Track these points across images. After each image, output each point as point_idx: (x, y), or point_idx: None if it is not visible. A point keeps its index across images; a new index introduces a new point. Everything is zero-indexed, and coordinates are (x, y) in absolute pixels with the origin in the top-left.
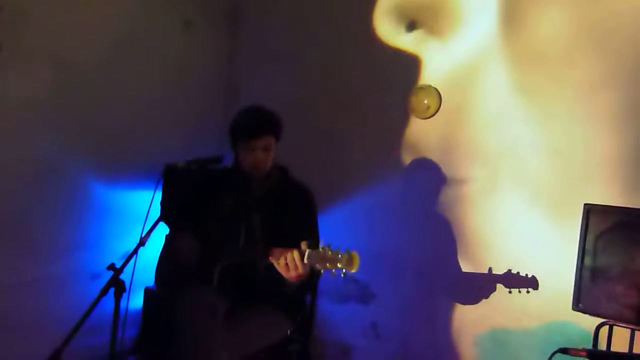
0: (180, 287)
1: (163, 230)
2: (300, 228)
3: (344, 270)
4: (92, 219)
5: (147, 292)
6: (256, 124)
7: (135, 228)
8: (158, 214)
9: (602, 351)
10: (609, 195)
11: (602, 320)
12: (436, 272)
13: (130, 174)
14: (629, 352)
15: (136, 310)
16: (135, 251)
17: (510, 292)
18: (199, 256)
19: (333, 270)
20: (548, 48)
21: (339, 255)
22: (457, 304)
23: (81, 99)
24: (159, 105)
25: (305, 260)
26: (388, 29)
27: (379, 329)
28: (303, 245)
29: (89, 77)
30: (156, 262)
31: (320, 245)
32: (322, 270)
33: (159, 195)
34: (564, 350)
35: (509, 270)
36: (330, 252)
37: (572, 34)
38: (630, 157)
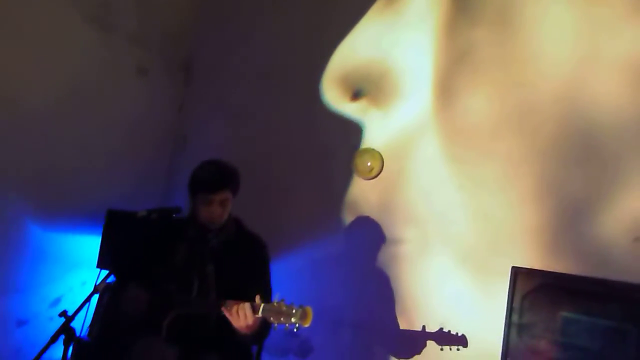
0: (125, 339)
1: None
2: (253, 280)
3: (297, 325)
4: (25, 261)
5: (78, 342)
6: (215, 179)
7: (69, 274)
8: (96, 261)
9: None
10: (533, 259)
11: None
12: (374, 327)
13: (71, 217)
14: None
15: None
16: (89, 299)
17: (442, 349)
18: (146, 307)
19: (287, 325)
20: (477, 124)
21: (293, 310)
22: (394, 359)
23: (25, 140)
24: (106, 151)
25: (260, 314)
26: (335, 95)
27: None
28: (257, 299)
29: (37, 119)
30: (92, 312)
31: (275, 300)
32: (275, 324)
33: (99, 241)
34: None
35: (441, 328)
36: (284, 307)
37: (497, 114)
38: (550, 225)
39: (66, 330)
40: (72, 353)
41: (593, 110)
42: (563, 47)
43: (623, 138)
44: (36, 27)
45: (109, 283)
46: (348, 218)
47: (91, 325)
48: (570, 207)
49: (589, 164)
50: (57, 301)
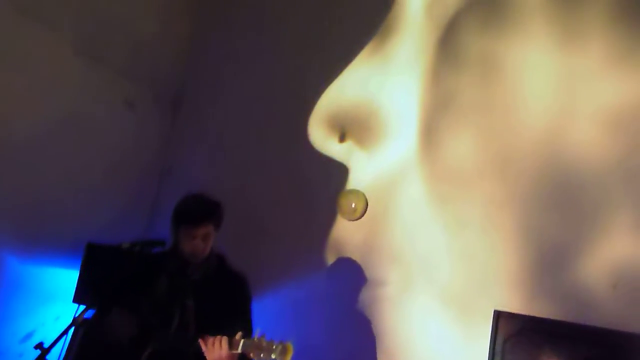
0: None
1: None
2: (234, 316)
3: None
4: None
5: None
6: (198, 212)
7: (43, 308)
8: (73, 295)
9: None
10: (515, 302)
11: None
12: None
13: (49, 249)
14: None
15: None
16: (66, 331)
17: None
18: (126, 340)
19: None
20: (460, 166)
21: (274, 346)
22: None
23: (7, 170)
24: (90, 183)
25: (240, 349)
26: (322, 135)
27: None
28: (238, 335)
29: (21, 149)
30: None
31: (255, 335)
32: None
33: (76, 275)
34: None
35: None
36: (264, 342)
37: (481, 158)
38: (531, 269)
39: None
40: None
41: (573, 158)
42: (543, 95)
43: (602, 186)
44: (26, 57)
45: (86, 318)
46: (331, 258)
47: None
48: (551, 252)
49: (569, 210)
50: (28, 336)
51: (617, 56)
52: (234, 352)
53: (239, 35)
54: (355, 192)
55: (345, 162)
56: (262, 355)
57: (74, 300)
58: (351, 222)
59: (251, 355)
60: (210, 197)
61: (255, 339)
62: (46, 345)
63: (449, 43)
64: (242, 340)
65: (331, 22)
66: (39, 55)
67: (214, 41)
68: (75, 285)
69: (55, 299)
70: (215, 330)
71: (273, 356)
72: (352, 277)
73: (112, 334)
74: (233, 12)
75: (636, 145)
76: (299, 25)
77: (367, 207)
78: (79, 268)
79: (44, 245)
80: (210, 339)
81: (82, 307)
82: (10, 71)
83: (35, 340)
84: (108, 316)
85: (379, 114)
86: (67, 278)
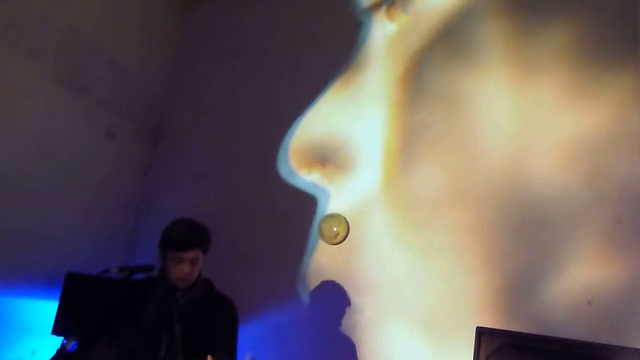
0: None
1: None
2: (219, 340)
3: None
4: None
5: None
6: (186, 237)
7: (19, 341)
8: (52, 327)
9: None
10: (492, 321)
11: None
12: None
13: (26, 280)
14: None
15: None
16: (56, 358)
17: None
18: None
19: None
20: (430, 194)
21: None
22: None
23: None
24: (68, 213)
25: None
26: (297, 164)
27: None
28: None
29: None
30: None
31: (246, 357)
32: None
33: (55, 306)
34: None
35: None
36: None
37: (448, 186)
38: (507, 289)
39: None
40: None
41: (538, 184)
42: (503, 126)
43: (568, 211)
44: (8, 85)
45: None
46: (312, 283)
47: None
48: (526, 273)
49: (540, 232)
50: None
51: (571, 89)
52: None
53: (218, 67)
54: (337, 217)
55: (321, 189)
56: None
57: (53, 332)
58: (332, 246)
59: None
60: (199, 223)
61: None
62: None
63: (412, 78)
64: None
65: (305, 56)
66: (21, 84)
67: (193, 72)
68: (54, 317)
69: (32, 332)
70: (203, 355)
71: None
72: (333, 301)
73: None
74: (212, 44)
75: (595, 173)
76: (274, 58)
77: (348, 231)
78: (59, 298)
79: (21, 276)
80: None
81: (61, 338)
82: None
83: None
84: (90, 351)
85: (351, 145)
86: (44, 310)
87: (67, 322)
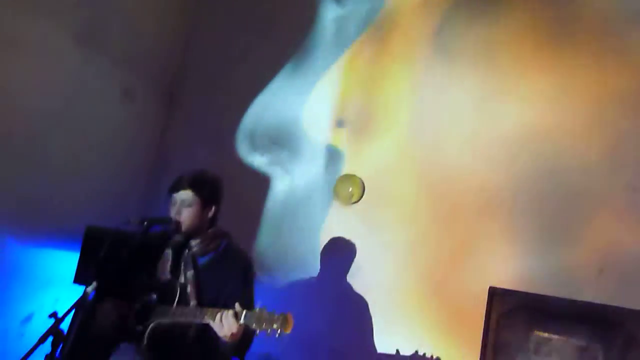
0: (101, 352)
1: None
2: (236, 291)
3: (279, 331)
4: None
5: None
6: (179, 179)
7: (42, 291)
8: (73, 277)
9: None
10: (507, 283)
11: None
12: (351, 352)
13: (48, 233)
14: None
15: None
16: (78, 302)
17: None
18: (124, 318)
19: (269, 330)
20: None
21: (275, 317)
22: None
23: (7, 155)
24: (85, 168)
25: (242, 320)
26: (317, 122)
27: None
28: (237, 306)
29: (21, 138)
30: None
31: (257, 307)
32: (257, 331)
33: (76, 258)
34: None
35: (416, 351)
36: (266, 314)
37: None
38: (524, 254)
39: (55, 331)
40: None
41: (559, 152)
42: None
43: (585, 179)
44: (26, 47)
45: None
46: (325, 242)
47: (64, 343)
48: (540, 237)
49: (558, 199)
50: (28, 318)
51: (515, 83)
52: (239, 323)
53: (234, 28)
54: (352, 177)
55: (343, 148)
56: (263, 325)
57: (75, 281)
58: (348, 207)
59: (253, 326)
60: (206, 172)
61: (257, 311)
62: (60, 315)
63: (335, 77)
64: (244, 312)
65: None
66: (38, 45)
67: (210, 32)
68: (75, 267)
69: (54, 282)
70: (215, 305)
71: (275, 326)
72: (347, 261)
73: (99, 323)
74: (229, 3)
75: (613, 142)
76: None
77: (363, 192)
78: (79, 250)
79: (44, 230)
80: (218, 315)
81: (84, 286)
82: (10, 61)
83: (36, 323)
84: (103, 303)
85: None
86: (66, 261)
87: (88, 272)
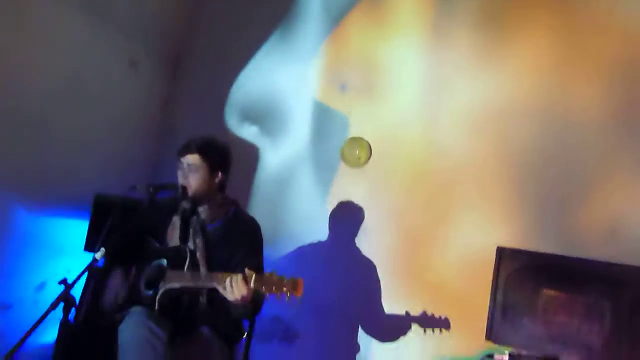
0: (114, 316)
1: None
2: (245, 257)
3: (288, 294)
4: (11, 245)
5: (65, 326)
6: (186, 144)
7: (54, 259)
8: (84, 245)
9: (523, 354)
10: (517, 241)
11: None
12: (359, 313)
13: (58, 202)
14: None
15: (48, 346)
16: (88, 268)
17: (425, 332)
18: (135, 284)
19: (278, 294)
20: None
21: (285, 280)
22: (378, 342)
23: (14, 126)
24: (93, 138)
25: (252, 284)
26: (322, 86)
27: None
28: (247, 271)
29: (29, 106)
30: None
31: (267, 272)
32: (267, 294)
33: (86, 226)
34: (490, 356)
35: (424, 312)
36: (276, 277)
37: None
38: (534, 214)
39: (66, 297)
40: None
41: (573, 111)
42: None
43: (599, 140)
44: (31, 16)
45: (97, 266)
46: (334, 205)
47: (78, 309)
48: (553, 197)
49: (569, 160)
50: (42, 286)
51: (478, 60)
52: (249, 287)
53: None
54: (359, 140)
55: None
56: (273, 288)
57: (85, 249)
58: (356, 169)
59: (264, 289)
60: (214, 138)
61: (267, 275)
62: (70, 282)
63: (339, 41)
64: (254, 276)
65: None
66: (43, 14)
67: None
68: (85, 236)
69: (66, 251)
70: (225, 270)
71: (285, 289)
72: (354, 222)
73: (111, 289)
74: None
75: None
76: None
77: (371, 155)
78: (89, 219)
79: (55, 199)
80: (227, 279)
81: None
82: (16, 30)
83: (49, 290)
84: (113, 270)
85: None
86: (77, 230)
87: (98, 240)
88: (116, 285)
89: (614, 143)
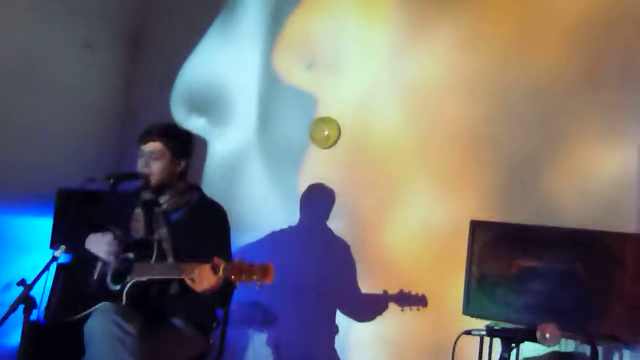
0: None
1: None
2: (212, 244)
3: (259, 282)
4: None
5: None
6: (146, 130)
7: (20, 257)
8: (49, 242)
9: (500, 328)
10: (488, 213)
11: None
12: (336, 293)
13: (19, 198)
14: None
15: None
16: (48, 266)
17: (402, 310)
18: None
19: (248, 283)
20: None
21: (255, 268)
22: (356, 322)
23: None
24: (53, 128)
25: (221, 273)
26: (287, 65)
27: (282, 350)
28: (216, 259)
29: None
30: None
31: (236, 259)
32: (237, 283)
33: (51, 222)
34: (467, 332)
35: (401, 290)
36: (245, 265)
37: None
38: (503, 182)
39: (26, 299)
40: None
41: (536, 70)
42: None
43: (563, 102)
44: None
45: (62, 263)
46: (304, 185)
47: (47, 307)
48: (520, 165)
49: (536, 125)
50: (8, 286)
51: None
52: (218, 276)
53: None
54: (327, 120)
55: (315, 90)
56: (243, 277)
57: (51, 247)
58: (325, 149)
59: (232, 278)
60: (174, 124)
61: (236, 262)
62: (29, 282)
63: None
64: (222, 264)
65: None
66: None
67: None
68: (50, 232)
69: (31, 248)
70: (194, 259)
71: (254, 277)
72: (326, 203)
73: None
74: None
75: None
76: None
77: (340, 134)
78: (53, 214)
79: (16, 197)
80: (195, 270)
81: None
82: None
83: (16, 290)
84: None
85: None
86: (42, 226)
87: (63, 237)
88: (82, 280)
89: (579, 104)
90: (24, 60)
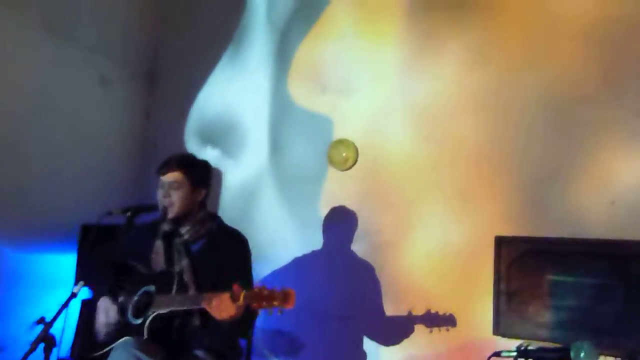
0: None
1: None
2: (233, 273)
3: (280, 308)
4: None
5: None
6: (166, 161)
7: (46, 295)
8: (74, 279)
9: (532, 348)
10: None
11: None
12: (361, 317)
13: (44, 236)
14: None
15: None
16: (67, 304)
17: (431, 331)
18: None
19: (270, 309)
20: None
21: (275, 294)
22: (384, 347)
23: None
24: (75, 164)
25: (242, 301)
26: (302, 90)
27: None
28: (235, 287)
29: (1, 138)
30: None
31: (256, 286)
32: (258, 310)
33: (75, 258)
34: (496, 354)
35: (428, 310)
36: (265, 291)
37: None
38: (528, 195)
39: (45, 337)
40: None
41: (558, 80)
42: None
43: (588, 111)
44: None
45: (87, 299)
46: (325, 209)
47: (73, 344)
48: (544, 177)
49: (560, 136)
50: (35, 324)
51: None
52: (238, 304)
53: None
54: (345, 142)
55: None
56: (264, 303)
57: (76, 283)
58: (343, 172)
59: (254, 305)
60: (192, 155)
61: (256, 289)
62: (48, 320)
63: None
64: (243, 292)
65: None
66: (7, 40)
67: (184, 12)
68: (75, 268)
69: (57, 285)
70: (215, 289)
71: (275, 303)
72: (348, 227)
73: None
74: None
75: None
76: None
77: (358, 156)
78: (76, 250)
79: (39, 233)
80: (213, 300)
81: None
82: None
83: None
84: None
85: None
86: (66, 263)
87: (87, 272)
88: (105, 316)
89: (601, 111)
90: (45, 98)
